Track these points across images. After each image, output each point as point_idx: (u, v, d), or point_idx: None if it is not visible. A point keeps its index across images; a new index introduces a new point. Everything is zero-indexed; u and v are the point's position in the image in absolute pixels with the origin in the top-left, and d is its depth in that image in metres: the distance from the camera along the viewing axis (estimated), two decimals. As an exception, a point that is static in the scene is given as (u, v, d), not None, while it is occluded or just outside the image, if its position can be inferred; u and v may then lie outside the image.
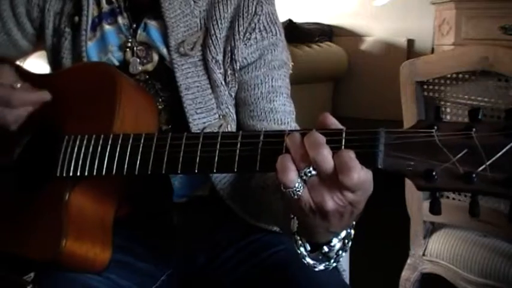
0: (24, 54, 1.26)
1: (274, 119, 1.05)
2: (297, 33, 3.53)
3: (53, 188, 0.93)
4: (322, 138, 0.67)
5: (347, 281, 1.13)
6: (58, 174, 0.91)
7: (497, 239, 1.54)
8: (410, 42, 3.69)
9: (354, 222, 0.75)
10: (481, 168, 0.63)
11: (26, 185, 0.98)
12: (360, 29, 3.94)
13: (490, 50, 1.40)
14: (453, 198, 1.54)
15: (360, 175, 0.66)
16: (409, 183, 1.61)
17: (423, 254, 1.67)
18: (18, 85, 0.99)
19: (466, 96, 1.49)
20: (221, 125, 1.04)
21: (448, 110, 1.52)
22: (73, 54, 1.10)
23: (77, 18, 1.09)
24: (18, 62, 1.24)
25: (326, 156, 0.66)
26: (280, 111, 1.06)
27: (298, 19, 3.76)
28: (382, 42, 3.80)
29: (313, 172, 0.68)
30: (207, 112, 1.03)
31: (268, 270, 1.02)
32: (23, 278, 0.99)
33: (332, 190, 0.68)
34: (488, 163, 0.62)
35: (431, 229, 1.67)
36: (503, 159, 0.62)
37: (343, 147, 0.68)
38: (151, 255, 1.09)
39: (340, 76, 3.89)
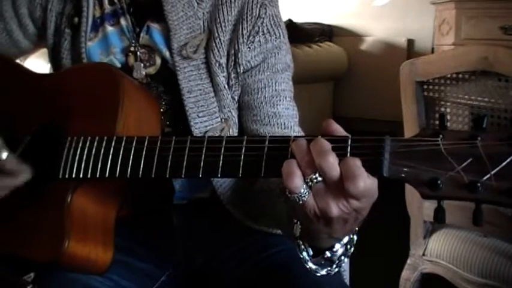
0: (25, 53, 1.26)
1: (278, 124, 1.05)
2: (297, 33, 3.54)
3: (55, 189, 0.92)
4: (328, 145, 0.67)
5: (347, 281, 1.14)
6: (60, 176, 0.91)
7: (497, 239, 1.54)
8: (410, 42, 3.70)
9: (357, 228, 0.75)
10: (485, 178, 0.63)
11: (28, 186, 0.98)
12: (360, 29, 3.95)
13: (490, 50, 1.40)
14: (453, 199, 1.53)
15: (366, 183, 0.66)
16: (409, 184, 1.61)
17: (423, 254, 1.67)
18: (4, 155, 0.91)
19: (466, 96, 1.49)
20: (223, 129, 1.03)
21: (448, 110, 1.52)
22: (72, 54, 1.10)
23: (76, 20, 1.09)
24: (18, 61, 1.24)
25: (332, 163, 0.67)
26: (283, 116, 1.05)
27: (298, 19, 3.77)
28: (382, 42, 3.80)
29: (319, 178, 0.68)
30: (209, 116, 1.03)
31: (268, 270, 1.02)
32: (23, 278, 0.99)
33: (337, 197, 0.68)
34: (493, 172, 0.62)
35: (431, 229, 1.67)
36: (508, 169, 0.62)
37: (348, 154, 0.68)
38: (151, 256, 1.09)
39: (340, 76, 3.89)
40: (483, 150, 0.63)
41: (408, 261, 1.72)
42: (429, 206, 1.58)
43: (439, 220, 0.68)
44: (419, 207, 1.62)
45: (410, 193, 1.63)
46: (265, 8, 1.05)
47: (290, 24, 3.57)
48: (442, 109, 1.53)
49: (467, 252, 1.56)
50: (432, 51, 3.22)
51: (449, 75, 1.50)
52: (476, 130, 0.65)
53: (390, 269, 1.82)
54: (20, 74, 1.12)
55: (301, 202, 0.69)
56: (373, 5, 3.89)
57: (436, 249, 1.64)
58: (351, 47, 3.88)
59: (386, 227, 2.47)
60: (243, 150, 0.75)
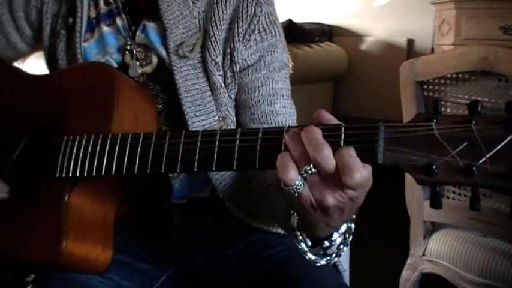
0: (23, 56, 1.25)
1: (275, 122, 1.05)
2: (297, 33, 3.54)
3: (52, 188, 0.92)
4: (320, 135, 0.67)
5: (347, 281, 1.14)
6: (57, 175, 0.91)
7: (497, 239, 1.54)
8: (410, 42, 3.70)
9: (354, 216, 0.75)
10: (481, 161, 0.62)
11: (26, 186, 0.98)
12: (360, 29, 3.95)
13: (490, 50, 1.40)
14: (453, 198, 1.54)
15: (362, 174, 0.66)
16: (409, 183, 1.61)
17: (423, 254, 1.67)
18: None
19: (466, 96, 1.48)
20: (221, 127, 1.03)
21: (448, 110, 1.52)
22: (68, 55, 1.10)
23: (71, 20, 1.09)
24: (16, 63, 1.24)
25: (327, 156, 0.66)
26: (281, 114, 1.05)
27: (298, 19, 3.77)
28: (382, 42, 3.80)
29: (314, 169, 0.67)
30: (206, 114, 1.03)
31: (268, 270, 1.02)
32: (23, 279, 0.99)
33: (332, 187, 0.67)
34: (488, 156, 0.62)
35: (431, 229, 1.67)
36: (504, 152, 0.61)
37: (342, 142, 0.67)
38: (151, 256, 1.09)
39: (340, 76, 3.89)
40: (478, 133, 0.62)
41: (408, 261, 1.71)
42: (429, 205, 1.58)
43: (435, 206, 0.68)
44: (419, 207, 1.62)
45: (411, 193, 1.63)
46: (261, 6, 1.05)
47: (290, 24, 3.57)
48: (442, 109, 1.53)
49: (467, 252, 1.56)
50: (432, 51, 3.22)
51: (449, 75, 1.50)
52: (471, 114, 0.64)
53: (390, 269, 1.82)
54: (16, 75, 1.13)
55: (296, 194, 0.68)
56: (373, 5, 3.89)
57: (436, 249, 1.64)
58: (351, 47, 3.88)
59: (387, 227, 2.47)
60: (237, 143, 0.75)
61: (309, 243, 0.76)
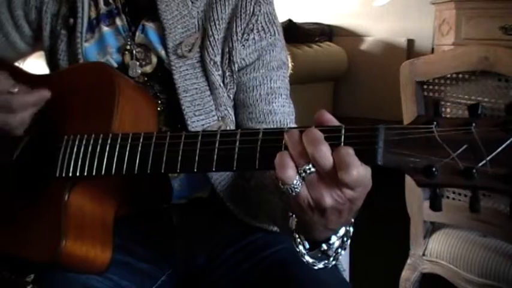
0: (23, 55, 1.25)
1: (274, 121, 1.05)
2: (297, 33, 3.55)
3: (52, 188, 0.93)
4: (320, 135, 0.67)
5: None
6: (57, 175, 0.91)
7: (497, 239, 1.54)
8: (410, 42, 3.70)
9: (353, 220, 0.75)
10: (481, 164, 0.62)
11: (26, 185, 0.98)
12: (360, 29, 3.95)
13: (490, 50, 1.40)
14: (453, 198, 1.54)
15: (359, 171, 0.65)
16: (409, 183, 1.61)
17: (423, 254, 1.67)
18: (16, 89, 0.96)
19: (466, 96, 1.48)
20: (220, 127, 1.03)
21: (448, 110, 1.52)
22: (69, 55, 1.10)
23: (71, 21, 1.09)
24: (17, 63, 1.24)
25: (325, 153, 0.66)
26: (279, 113, 1.05)
27: (298, 19, 3.77)
28: (382, 42, 3.80)
29: (312, 169, 0.67)
30: (205, 114, 1.03)
31: (268, 269, 1.02)
32: (23, 279, 0.99)
33: (330, 187, 0.67)
34: (488, 158, 0.62)
35: (431, 229, 1.67)
36: (504, 155, 0.61)
37: (342, 143, 0.67)
38: (151, 256, 1.09)
39: (340, 76, 3.90)
40: (478, 136, 0.62)
41: (408, 261, 1.72)
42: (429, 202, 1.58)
43: (435, 208, 0.68)
44: (419, 207, 1.62)
45: (411, 193, 1.63)
46: (260, 6, 1.05)
47: (290, 24, 3.57)
48: (442, 109, 1.53)
49: (467, 252, 1.56)
50: (432, 51, 3.22)
51: (449, 75, 1.50)
52: (471, 117, 0.64)
53: (390, 269, 1.82)
54: (17, 75, 1.12)
55: (294, 193, 0.68)
56: (373, 5, 3.89)
57: (436, 249, 1.64)
58: (351, 47, 3.89)
59: (387, 227, 2.47)
60: (237, 144, 0.75)
61: (307, 246, 0.76)
